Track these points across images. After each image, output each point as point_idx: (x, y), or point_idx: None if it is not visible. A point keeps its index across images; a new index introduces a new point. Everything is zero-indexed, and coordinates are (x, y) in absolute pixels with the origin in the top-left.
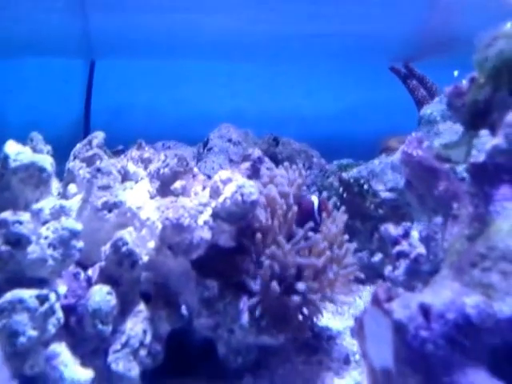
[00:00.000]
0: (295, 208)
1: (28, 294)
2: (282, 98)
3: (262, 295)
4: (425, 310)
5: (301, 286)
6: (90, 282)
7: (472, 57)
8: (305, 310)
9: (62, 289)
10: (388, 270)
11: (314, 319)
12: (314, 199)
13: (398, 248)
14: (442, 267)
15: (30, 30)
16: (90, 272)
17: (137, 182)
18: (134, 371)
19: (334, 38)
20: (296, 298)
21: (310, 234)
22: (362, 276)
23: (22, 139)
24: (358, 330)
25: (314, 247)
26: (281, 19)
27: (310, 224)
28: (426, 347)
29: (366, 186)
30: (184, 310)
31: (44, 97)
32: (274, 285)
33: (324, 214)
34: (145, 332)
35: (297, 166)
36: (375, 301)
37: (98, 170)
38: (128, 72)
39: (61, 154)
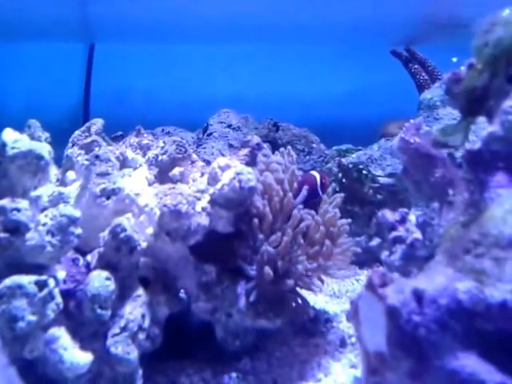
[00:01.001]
0: (290, 194)
1: (27, 280)
2: (282, 82)
3: (258, 280)
4: (418, 296)
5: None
6: (88, 268)
7: (471, 43)
8: (301, 292)
9: (61, 274)
10: (384, 254)
11: (311, 301)
12: (316, 175)
13: (394, 233)
14: (436, 253)
15: (27, 13)
16: (88, 258)
17: (135, 168)
18: (133, 354)
19: (334, 21)
20: (290, 282)
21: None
22: (359, 250)
23: (21, 125)
24: (353, 314)
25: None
26: (281, 2)
27: (300, 207)
28: (419, 331)
29: (364, 172)
30: (182, 294)
31: (42, 82)
32: (268, 269)
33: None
34: (143, 316)
35: (288, 151)
36: (369, 286)
37: (97, 156)
38: (128, 56)
39: (60, 140)
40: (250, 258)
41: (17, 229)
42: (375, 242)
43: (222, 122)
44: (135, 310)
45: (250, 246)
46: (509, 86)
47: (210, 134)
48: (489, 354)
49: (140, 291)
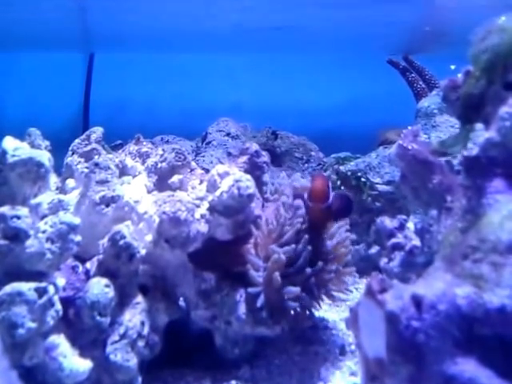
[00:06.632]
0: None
1: (27, 287)
2: (280, 91)
3: (264, 286)
4: (417, 301)
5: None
6: (88, 275)
7: (468, 51)
8: (303, 299)
9: (61, 281)
10: (383, 261)
11: (312, 310)
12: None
13: (393, 240)
14: (435, 259)
15: (27, 23)
16: (88, 265)
17: (134, 176)
18: (132, 362)
19: (332, 30)
20: (295, 290)
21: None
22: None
23: (21, 134)
24: (353, 321)
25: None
26: (278, 10)
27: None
28: (418, 337)
29: (363, 179)
30: (181, 301)
31: (43, 91)
32: (277, 275)
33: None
34: (143, 323)
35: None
36: (369, 292)
37: (96, 164)
38: (127, 65)
39: (60, 149)
40: (256, 264)
41: (16, 236)
42: (374, 249)
43: (220, 131)
44: (134, 317)
45: (258, 253)
46: (505, 93)
47: (209, 143)
48: (488, 359)
49: (139, 298)
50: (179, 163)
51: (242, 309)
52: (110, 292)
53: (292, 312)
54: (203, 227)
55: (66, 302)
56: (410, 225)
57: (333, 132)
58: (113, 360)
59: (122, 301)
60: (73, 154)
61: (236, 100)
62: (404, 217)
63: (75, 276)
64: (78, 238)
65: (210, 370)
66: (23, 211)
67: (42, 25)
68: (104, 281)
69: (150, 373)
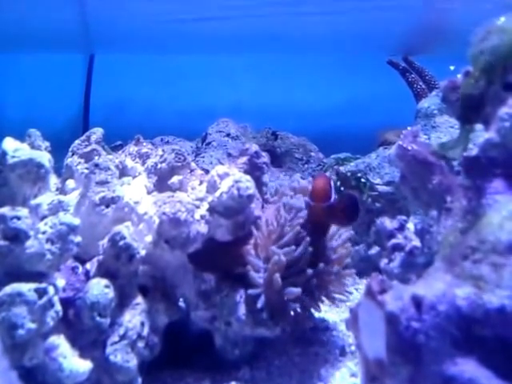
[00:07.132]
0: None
1: (27, 288)
2: (280, 91)
3: (264, 287)
4: (417, 302)
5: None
6: (88, 276)
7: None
8: (304, 300)
9: (61, 282)
10: (383, 262)
11: (312, 311)
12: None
13: (393, 241)
14: (435, 259)
15: (28, 24)
16: (88, 266)
17: (134, 177)
18: (132, 362)
19: (332, 31)
20: (296, 291)
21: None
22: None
23: (21, 135)
24: (353, 322)
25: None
26: (276, 12)
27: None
28: (417, 338)
29: (363, 180)
30: (181, 302)
31: (43, 92)
32: (277, 277)
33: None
34: (142, 324)
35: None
36: (369, 293)
37: (96, 165)
38: (127, 66)
39: (60, 150)
40: (256, 265)
41: (16, 236)
42: (374, 250)
43: (220, 132)
44: (134, 318)
45: (258, 254)
46: (505, 94)
47: (209, 144)
48: (488, 359)
49: (139, 299)
50: (179, 164)
51: (241, 310)
52: (110, 293)
53: (292, 313)
54: (203, 228)
55: (66, 302)
56: (410, 225)
57: (333, 133)
58: (113, 361)
59: (122, 302)
60: (73, 154)
61: (236, 101)
62: (404, 217)
63: (75, 277)
64: (77, 238)
65: (210, 370)
66: (23, 212)
67: (43, 26)
68: (104, 281)
69: (149, 374)
